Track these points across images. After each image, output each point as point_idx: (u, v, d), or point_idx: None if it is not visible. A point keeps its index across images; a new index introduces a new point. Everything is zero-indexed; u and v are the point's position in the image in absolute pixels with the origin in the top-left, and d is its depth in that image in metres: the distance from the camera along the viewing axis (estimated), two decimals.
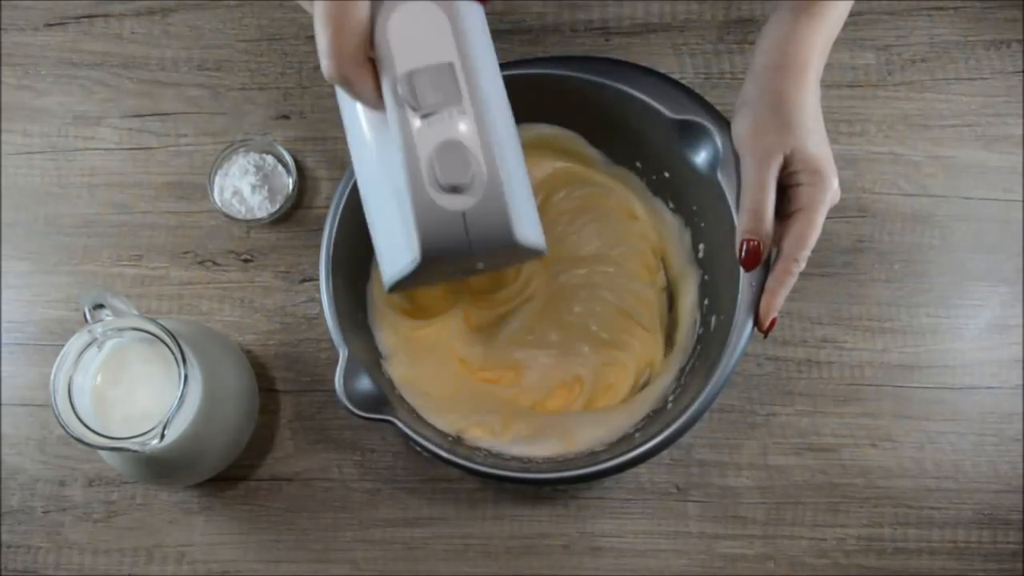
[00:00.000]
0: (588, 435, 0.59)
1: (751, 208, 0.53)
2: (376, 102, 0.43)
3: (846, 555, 0.63)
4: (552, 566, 0.63)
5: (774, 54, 0.53)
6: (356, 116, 0.47)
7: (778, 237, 0.54)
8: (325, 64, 0.41)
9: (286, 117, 0.69)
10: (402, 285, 0.48)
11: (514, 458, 0.58)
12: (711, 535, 0.63)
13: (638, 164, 0.63)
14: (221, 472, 0.61)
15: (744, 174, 0.54)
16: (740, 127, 0.54)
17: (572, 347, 0.62)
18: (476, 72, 0.43)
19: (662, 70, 0.57)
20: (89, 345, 0.52)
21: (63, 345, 0.51)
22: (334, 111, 0.68)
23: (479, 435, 0.60)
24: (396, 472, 0.64)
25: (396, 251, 0.46)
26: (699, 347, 0.59)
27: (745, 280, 0.55)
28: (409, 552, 0.63)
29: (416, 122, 0.43)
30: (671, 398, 0.58)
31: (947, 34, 0.69)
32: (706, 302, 0.60)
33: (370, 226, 0.49)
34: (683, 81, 0.57)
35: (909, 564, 0.62)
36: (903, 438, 0.64)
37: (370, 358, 0.59)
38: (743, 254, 0.54)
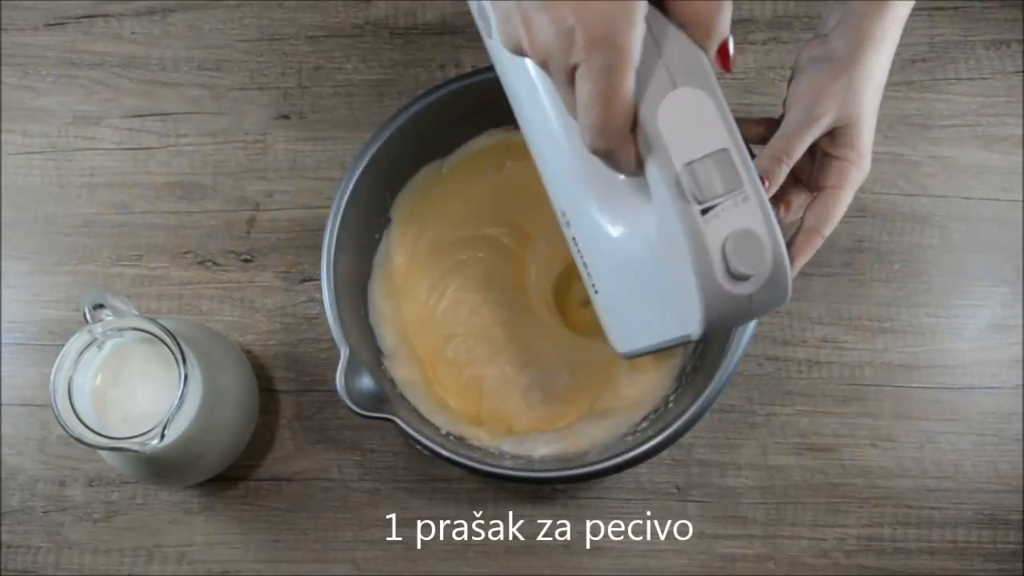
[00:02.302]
0: (588, 435, 0.59)
1: (775, 153, 0.52)
2: (636, 171, 0.43)
3: (846, 555, 0.63)
4: (552, 566, 0.63)
5: (865, 18, 0.51)
6: (572, 179, 0.48)
7: (795, 207, 0.55)
8: (594, 138, 0.40)
9: (286, 117, 0.69)
10: (642, 354, 0.49)
11: (514, 458, 0.58)
12: (711, 535, 0.63)
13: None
14: (221, 472, 0.61)
15: (787, 122, 0.52)
16: (808, 79, 0.52)
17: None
18: (744, 153, 0.43)
19: None
20: (89, 345, 0.52)
21: (63, 345, 0.51)
22: (334, 111, 0.69)
23: (480, 434, 0.60)
24: (396, 472, 0.64)
25: (652, 323, 0.46)
26: (699, 347, 0.59)
27: None
28: (409, 552, 0.63)
29: (700, 213, 0.42)
30: (671, 398, 0.58)
31: (947, 34, 0.69)
32: None
33: (597, 291, 0.50)
34: None
35: (909, 564, 0.62)
36: (903, 438, 0.64)
37: (371, 357, 0.59)
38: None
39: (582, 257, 0.50)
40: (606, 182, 0.47)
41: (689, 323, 0.43)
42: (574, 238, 0.50)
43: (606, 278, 0.49)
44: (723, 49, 0.42)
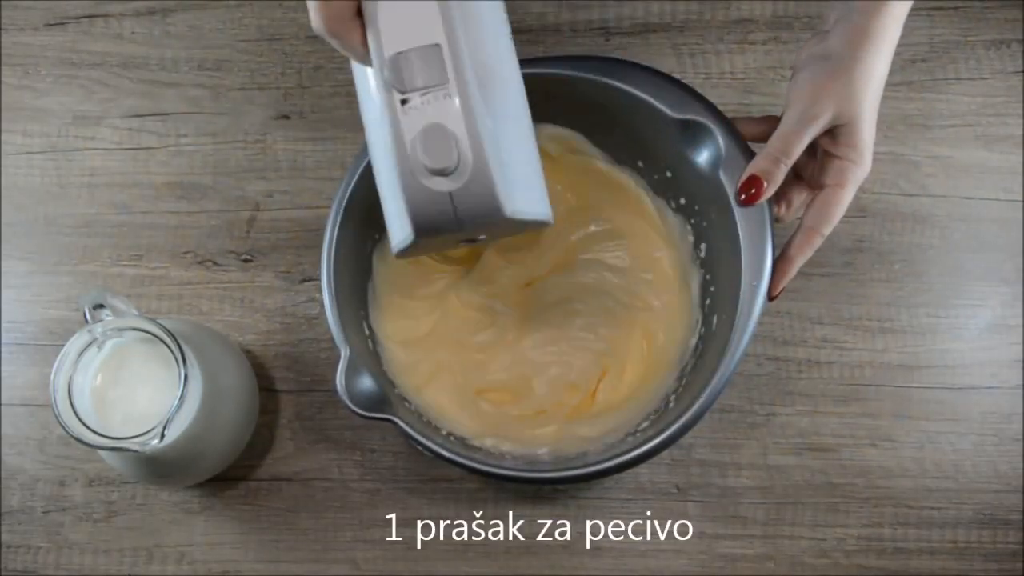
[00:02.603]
0: (588, 435, 0.59)
1: (774, 153, 0.53)
2: (364, 57, 0.44)
3: (846, 555, 0.63)
4: (552, 566, 0.63)
5: (864, 16, 0.51)
6: (365, 81, 0.48)
7: (797, 206, 0.55)
8: (314, 18, 0.42)
9: (286, 117, 0.69)
10: (406, 255, 0.49)
11: (514, 458, 0.58)
12: (711, 535, 0.63)
13: (640, 164, 0.63)
14: (221, 472, 0.61)
15: (785, 121, 0.53)
16: (806, 78, 0.52)
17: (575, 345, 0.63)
18: (466, 51, 0.44)
19: (662, 70, 0.57)
20: (89, 345, 0.52)
21: (63, 345, 0.51)
22: (334, 111, 0.69)
23: (480, 435, 0.60)
24: (396, 472, 0.64)
25: (395, 222, 0.47)
26: (700, 347, 0.59)
27: (747, 279, 0.55)
28: (409, 552, 0.63)
29: (401, 105, 0.43)
30: (672, 398, 0.58)
31: (947, 34, 0.69)
32: (708, 302, 0.60)
33: (378, 188, 0.50)
34: (685, 81, 0.57)
35: (909, 564, 0.63)
36: (903, 438, 0.64)
37: (371, 357, 0.59)
38: (746, 190, 0.54)
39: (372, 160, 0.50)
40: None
41: (405, 222, 0.44)
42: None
43: (377, 176, 0.50)
44: None
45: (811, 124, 0.51)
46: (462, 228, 0.45)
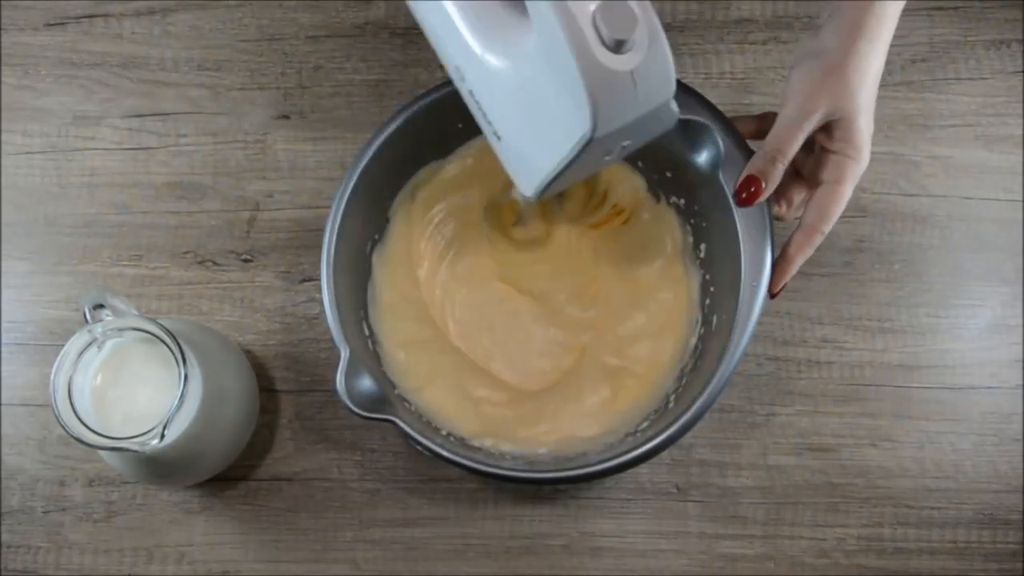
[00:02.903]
0: (588, 435, 0.59)
1: (770, 152, 0.52)
2: None
3: (846, 555, 0.63)
4: (552, 566, 0.63)
5: (857, 10, 0.51)
6: (458, 32, 0.46)
7: (797, 204, 0.55)
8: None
9: (286, 117, 0.69)
10: (552, 186, 0.45)
11: (514, 458, 0.58)
12: (711, 535, 0.63)
13: (639, 163, 0.63)
14: (221, 472, 0.61)
15: (780, 120, 0.52)
16: (799, 75, 0.52)
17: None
18: None
19: None
20: (89, 345, 0.52)
21: (63, 345, 0.51)
22: (334, 111, 0.69)
23: (480, 435, 0.60)
24: (396, 472, 0.64)
25: (548, 140, 0.44)
26: (700, 347, 0.59)
27: (746, 279, 0.55)
28: (409, 552, 0.63)
29: None
30: (671, 398, 0.58)
31: (947, 34, 0.69)
32: (707, 302, 0.60)
33: (494, 125, 0.47)
34: (686, 81, 0.57)
35: (909, 564, 0.63)
36: (903, 438, 0.64)
37: (371, 358, 0.59)
38: (745, 191, 0.53)
39: (480, 107, 0.48)
40: (486, 20, 0.45)
41: (581, 119, 0.41)
42: (470, 91, 0.48)
43: (503, 115, 0.47)
44: None
45: (805, 121, 0.51)
46: (639, 112, 0.42)
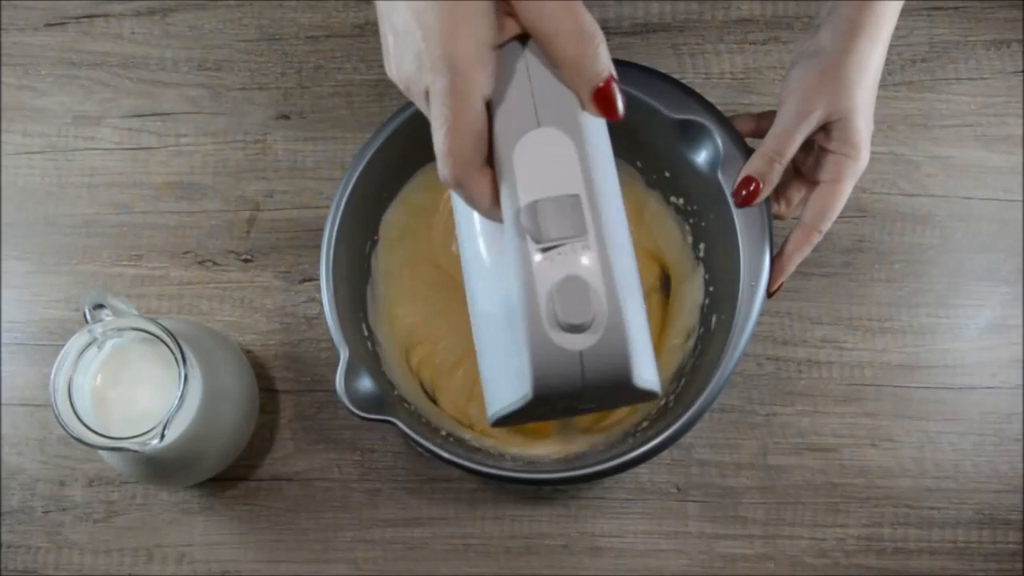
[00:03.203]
0: (588, 436, 0.59)
1: (768, 153, 0.52)
2: (491, 210, 0.41)
3: (846, 555, 0.63)
4: (552, 566, 0.63)
5: (854, 8, 0.51)
6: (472, 228, 0.45)
7: (796, 203, 0.55)
8: (442, 166, 0.39)
9: (286, 117, 0.69)
10: (506, 421, 0.45)
11: (514, 458, 0.58)
12: (711, 535, 0.63)
13: (638, 163, 0.63)
14: (221, 472, 0.61)
15: (778, 120, 0.52)
16: (797, 75, 0.52)
17: None
18: (600, 202, 0.41)
19: (662, 70, 0.57)
20: (89, 345, 0.52)
21: (63, 345, 0.51)
22: (334, 111, 0.69)
23: (479, 436, 0.60)
24: (396, 472, 0.64)
25: (505, 383, 0.44)
26: (699, 347, 0.59)
27: (745, 279, 0.55)
28: (409, 552, 0.63)
29: (537, 255, 0.40)
30: (671, 398, 0.58)
31: (947, 34, 0.69)
32: (706, 301, 0.60)
33: (478, 347, 0.47)
34: (683, 81, 0.57)
35: (909, 564, 0.63)
36: (903, 438, 0.64)
37: (370, 358, 0.59)
38: (743, 192, 0.54)
39: (473, 320, 0.47)
40: (497, 245, 0.44)
41: (524, 381, 0.41)
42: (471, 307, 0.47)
43: (480, 337, 0.47)
44: (601, 93, 0.40)
45: (803, 122, 0.51)
46: (583, 393, 0.41)
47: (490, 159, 0.41)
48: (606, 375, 0.41)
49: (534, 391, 0.41)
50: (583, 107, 0.41)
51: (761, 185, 0.53)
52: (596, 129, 0.43)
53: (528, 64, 0.41)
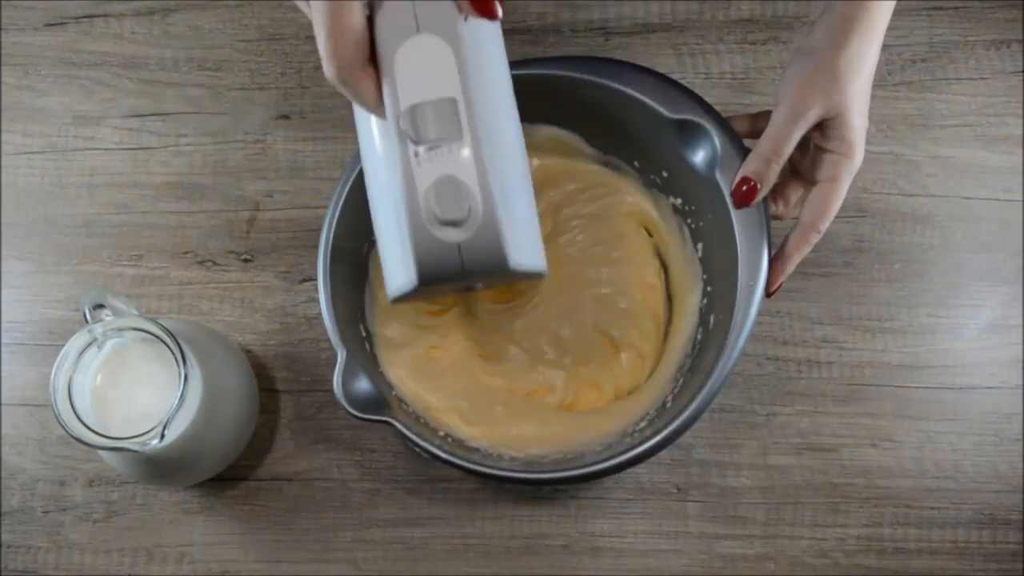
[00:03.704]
0: (587, 436, 0.59)
1: (764, 153, 0.52)
2: (376, 107, 0.44)
3: (846, 555, 0.63)
4: (552, 566, 0.63)
5: (848, 6, 0.51)
6: (368, 127, 0.48)
7: (794, 202, 0.55)
8: (326, 66, 0.42)
9: (286, 117, 0.69)
10: (404, 300, 0.49)
11: (513, 458, 0.58)
12: (711, 535, 0.63)
13: (636, 164, 0.63)
14: (221, 472, 0.61)
15: (773, 120, 0.52)
16: (792, 74, 0.52)
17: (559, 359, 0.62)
18: (479, 106, 0.44)
19: (662, 70, 0.57)
20: (89, 345, 0.52)
21: (63, 345, 0.51)
22: (334, 111, 0.69)
23: (477, 436, 0.60)
24: (396, 472, 0.64)
25: (397, 269, 0.47)
26: (698, 346, 0.59)
27: (743, 279, 0.55)
28: (409, 552, 0.63)
29: (415, 156, 0.44)
30: (670, 398, 0.58)
31: (947, 34, 0.69)
32: (705, 301, 0.60)
33: (376, 233, 0.50)
34: (683, 81, 0.57)
35: (909, 564, 0.62)
36: (903, 438, 0.64)
37: (368, 359, 0.59)
38: (740, 192, 0.54)
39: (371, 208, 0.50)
40: (387, 141, 0.47)
41: (409, 269, 0.45)
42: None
43: (377, 224, 0.50)
44: None
45: (799, 121, 0.51)
46: (466, 278, 0.46)
47: (375, 60, 0.44)
48: (483, 263, 0.45)
49: (419, 278, 0.45)
50: (460, 11, 0.44)
51: (758, 185, 0.53)
52: (479, 34, 0.45)
53: None
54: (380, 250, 0.50)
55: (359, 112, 0.48)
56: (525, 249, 0.47)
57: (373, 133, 0.47)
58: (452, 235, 0.44)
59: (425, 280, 0.45)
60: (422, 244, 0.44)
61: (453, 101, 0.44)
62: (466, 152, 0.44)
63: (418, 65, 0.43)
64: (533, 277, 0.49)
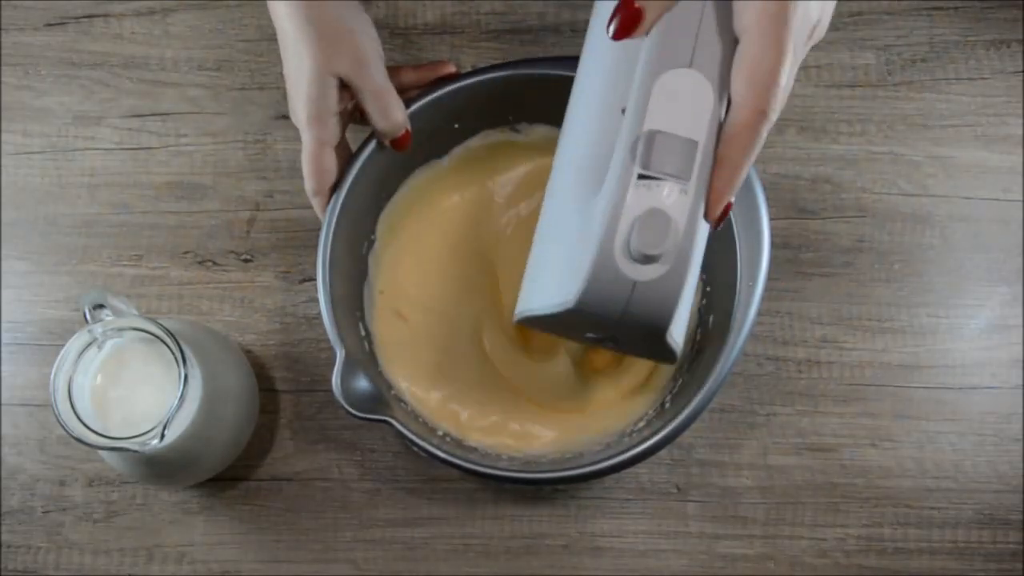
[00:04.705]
0: (587, 435, 0.59)
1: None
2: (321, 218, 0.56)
3: (846, 555, 0.63)
4: (552, 566, 0.63)
5: None
6: (583, 132, 0.47)
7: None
8: (306, 184, 0.56)
9: (286, 117, 0.69)
10: (531, 323, 0.47)
11: (513, 458, 0.58)
12: (711, 535, 0.63)
13: None
14: (221, 472, 0.61)
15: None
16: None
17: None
18: (711, 159, 0.42)
19: None
20: (89, 345, 0.52)
21: (63, 345, 0.51)
22: None
23: (476, 435, 0.60)
24: (396, 472, 0.64)
25: (550, 283, 0.45)
26: (696, 347, 0.59)
27: (743, 280, 0.55)
28: (409, 552, 0.63)
29: (637, 180, 0.42)
30: (668, 398, 0.58)
31: (947, 34, 0.69)
32: (704, 301, 0.60)
33: (537, 240, 0.48)
34: None
35: (909, 564, 0.62)
36: (903, 438, 0.64)
37: (367, 359, 0.59)
38: (613, 18, 0.42)
39: (545, 211, 0.50)
40: (600, 157, 0.46)
41: (572, 289, 0.43)
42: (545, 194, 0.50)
43: (546, 231, 0.48)
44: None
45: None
46: (620, 322, 0.43)
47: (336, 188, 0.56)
48: (646, 314, 0.42)
49: (577, 301, 0.42)
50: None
51: (639, 6, 0.42)
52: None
53: (706, 5, 0.42)
54: (532, 262, 0.47)
55: (574, 118, 0.47)
56: (680, 323, 0.45)
57: (594, 127, 0.45)
58: (634, 272, 0.42)
59: (582, 305, 0.43)
60: (600, 268, 0.42)
61: (695, 144, 0.42)
62: (687, 198, 0.41)
63: (677, 96, 0.42)
64: (666, 359, 0.47)
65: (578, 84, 0.51)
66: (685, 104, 0.42)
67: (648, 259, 0.41)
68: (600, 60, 0.49)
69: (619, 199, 0.42)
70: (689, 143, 0.42)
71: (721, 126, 0.42)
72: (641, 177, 0.42)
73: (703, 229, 0.43)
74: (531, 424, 0.61)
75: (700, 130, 0.42)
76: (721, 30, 0.42)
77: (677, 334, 0.45)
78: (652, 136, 0.42)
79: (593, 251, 0.42)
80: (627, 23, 0.42)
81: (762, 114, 0.40)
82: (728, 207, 0.43)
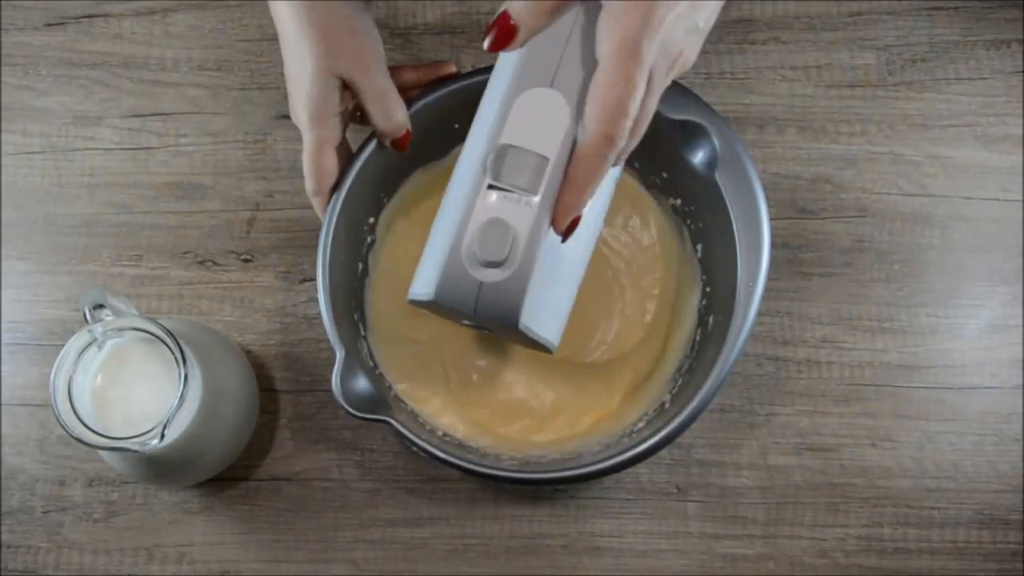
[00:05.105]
0: (586, 436, 0.59)
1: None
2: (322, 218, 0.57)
3: (846, 555, 0.63)
4: (552, 566, 0.63)
5: None
6: (473, 149, 0.49)
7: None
8: (307, 184, 0.56)
9: (286, 117, 0.69)
10: (418, 305, 0.50)
11: (513, 458, 0.58)
12: (711, 535, 0.63)
13: (636, 165, 0.63)
14: (221, 472, 0.61)
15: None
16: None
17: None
18: (559, 178, 0.45)
19: None
20: (89, 345, 0.52)
21: (63, 345, 0.51)
22: None
23: (476, 435, 0.60)
24: (396, 472, 0.64)
25: (424, 275, 0.49)
26: (697, 347, 0.59)
27: (743, 280, 0.55)
28: (409, 552, 0.63)
29: (487, 190, 0.45)
30: (669, 398, 0.58)
31: (947, 34, 0.69)
32: (704, 302, 0.60)
33: (432, 230, 0.51)
34: (683, 81, 0.57)
35: (909, 564, 0.62)
36: (903, 438, 0.64)
37: (367, 359, 0.59)
38: (490, 31, 0.43)
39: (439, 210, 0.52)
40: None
41: (432, 282, 0.46)
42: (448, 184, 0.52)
43: (434, 227, 0.51)
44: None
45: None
46: (475, 318, 0.47)
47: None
48: (495, 312, 0.46)
49: (435, 295, 0.47)
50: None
51: (517, 25, 0.43)
52: None
53: (574, 29, 0.44)
54: (426, 251, 0.51)
55: (476, 132, 0.49)
56: (544, 319, 0.48)
57: (476, 148, 0.48)
58: (480, 274, 0.45)
59: (439, 301, 0.47)
60: (450, 268, 0.46)
61: (546, 160, 0.44)
62: (531, 209, 0.44)
63: (534, 114, 0.44)
64: (541, 346, 0.50)
65: (492, 77, 0.52)
66: (542, 122, 0.44)
67: (490, 263, 0.45)
68: (509, 60, 0.50)
69: (469, 206, 0.45)
70: (541, 159, 0.44)
71: (575, 145, 0.44)
72: (492, 187, 0.45)
73: (551, 239, 0.46)
74: (531, 423, 0.61)
75: (552, 147, 0.44)
76: (584, 54, 0.44)
77: (542, 326, 0.48)
78: (505, 150, 0.44)
79: (445, 252, 0.46)
80: (502, 37, 0.43)
81: (608, 139, 0.41)
82: (576, 220, 0.45)
